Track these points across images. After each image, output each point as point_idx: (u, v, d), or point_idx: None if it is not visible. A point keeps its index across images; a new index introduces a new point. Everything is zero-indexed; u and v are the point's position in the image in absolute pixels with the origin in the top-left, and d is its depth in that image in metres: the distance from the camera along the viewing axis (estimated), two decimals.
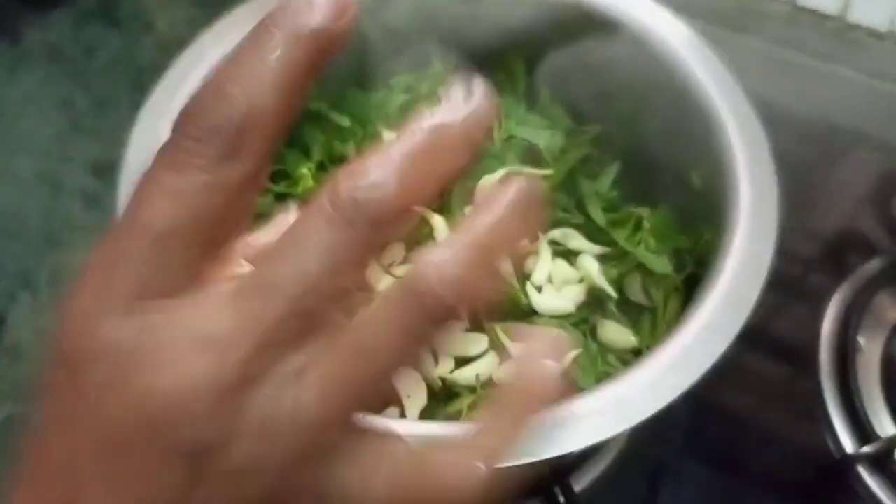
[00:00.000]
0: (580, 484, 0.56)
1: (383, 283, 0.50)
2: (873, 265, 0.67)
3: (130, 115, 1.32)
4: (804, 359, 0.63)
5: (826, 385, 0.61)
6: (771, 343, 0.65)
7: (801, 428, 0.60)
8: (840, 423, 0.59)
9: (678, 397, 0.34)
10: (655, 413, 0.34)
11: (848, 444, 0.57)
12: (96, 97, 1.28)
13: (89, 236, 1.14)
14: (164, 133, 0.43)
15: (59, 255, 1.14)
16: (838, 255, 0.71)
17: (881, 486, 0.55)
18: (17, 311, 1.10)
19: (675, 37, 0.49)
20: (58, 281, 1.13)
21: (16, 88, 1.29)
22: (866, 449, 0.56)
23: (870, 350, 0.63)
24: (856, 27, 0.77)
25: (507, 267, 0.49)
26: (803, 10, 0.78)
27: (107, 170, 1.25)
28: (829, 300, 0.65)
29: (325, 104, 0.54)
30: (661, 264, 0.47)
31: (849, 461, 0.56)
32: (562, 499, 0.53)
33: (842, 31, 0.77)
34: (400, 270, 0.51)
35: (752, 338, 0.64)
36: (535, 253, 0.51)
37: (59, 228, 1.16)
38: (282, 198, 0.51)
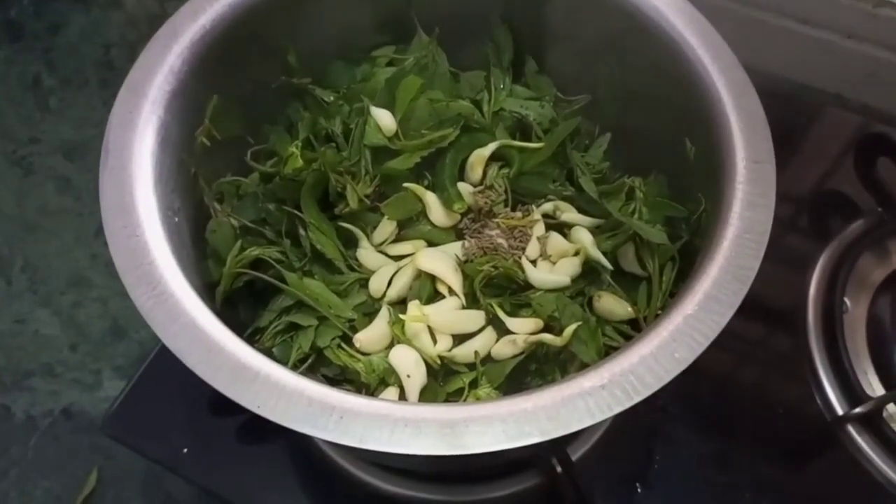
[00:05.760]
0: (577, 453, 0.56)
1: (375, 261, 0.50)
2: (857, 226, 0.67)
3: (99, 94, 1.29)
4: (790, 320, 0.63)
5: (815, 347, 0.61)
6: (757, 306, 0.66)
7: (789, 389, 0.61)
8: (830, 384, 0.59)
9: (683, 370, 0.34)
10: (661, 387, 0.34)
11: (838, 405, 0.58)
12: (63, 76, 1.25)
13: (64, 221, 1.12)
14: (143, 112, 0.43)
15: (34, 242, 1.12)
16: (818, 215, 0.71)
17: (872, 446, 0.56)
18: None
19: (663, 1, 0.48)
20: (33, 268, 1.11)
21: None
22: (858, 410, 0.56)
23: (855, 311, 0.63)
24: None
25: (502, 242, 0.49)
26: None
27: (78, 151, 1.23)
28: (814, 262, 0.65)
29: (307, 79, 0.53)
30: (657, 234, 0.47)
31: (840, 422, 0.57)
32: (559, 469, 0.53)
33: None
34: (392, 249, 0.50)
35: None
36: (529, 226, 0.50)
37: (32, 213, 1.13)
38: (268, 178, 0.50)
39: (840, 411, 0.58)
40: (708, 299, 0.37)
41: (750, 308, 0.66)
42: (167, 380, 0.60)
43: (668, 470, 0.57)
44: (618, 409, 0.33)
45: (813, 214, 0.72)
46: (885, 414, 0.57)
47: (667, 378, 0.34)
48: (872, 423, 0.57)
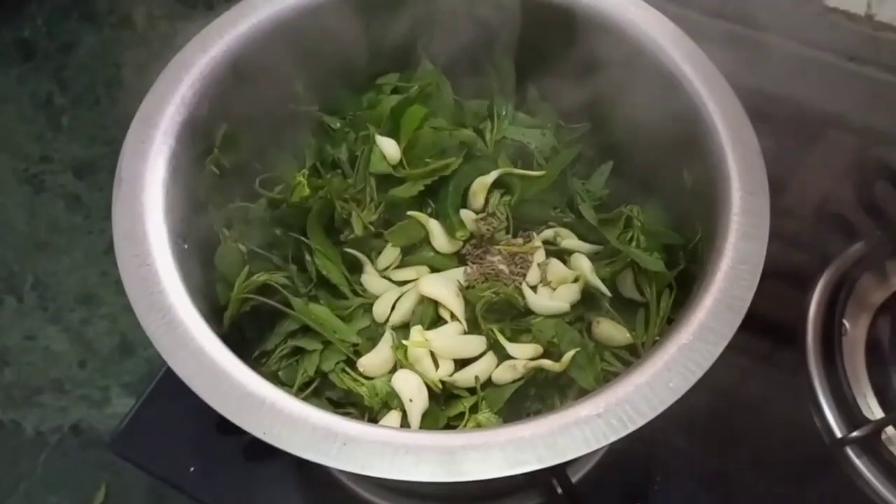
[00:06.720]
0: (577, 474, 0.57)
1: (379, 287, 0.51)
2: (857, 249, 0.67)
3: (110, 113, 1.30)
4: (790, 340, 0.63)
5: (813, 369, 0.61)
6: (757, 324, 0.66)
7: (789, 410, 0.61)
8: (828, 406, 0.59)
9: (678, 399, 0.35)
10: (656, 416, 0.35)
11: (836, 427, 0.58)
12: (74, 95, 1.26)
13: (74, 239, 1.13)
14: (154, 143, 0.44)
15: (44, 259, 1.13)
16: (818, 237, 0.71)
17: (870, 469, 0.56)
18: (3, 316, 1.08)
19: (661, 33, 0.49)
20: (43, 285, 1.12)
21: None
22: (856, 433, 0.56)
23: (855, 333, 0.64)
24: (833, 10, 0.77)
25: (503, 268, 0.50)
26: None
27: (88, 169, 1.25)
28: (813, 283, 0.65)
29: (314, 105, 0.54)
30: (654, 262, 0.47)
31: (839, 445, 0.57)
32: (559, 490, 0.53)
33: (819, 14, 0.77)
34: (396, 275, 0.51)
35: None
36: (530, 253, 0.51)
37: (42, 231, 1.15)
38: (276, 205, 0.51)
39: (839, 434, 0.58)
40: (702, 329, 0.38)
41: (750, 327, 0.67)
42: (175, 398, 0.60)
43: (668, 490, 0.58)
44: (613, 438, 0.34)
45: (813, 236, 0.72)
46: (883, 437, 0.57)
47: (661, 407, 0.35)
48: (871, 446, 0.57)
